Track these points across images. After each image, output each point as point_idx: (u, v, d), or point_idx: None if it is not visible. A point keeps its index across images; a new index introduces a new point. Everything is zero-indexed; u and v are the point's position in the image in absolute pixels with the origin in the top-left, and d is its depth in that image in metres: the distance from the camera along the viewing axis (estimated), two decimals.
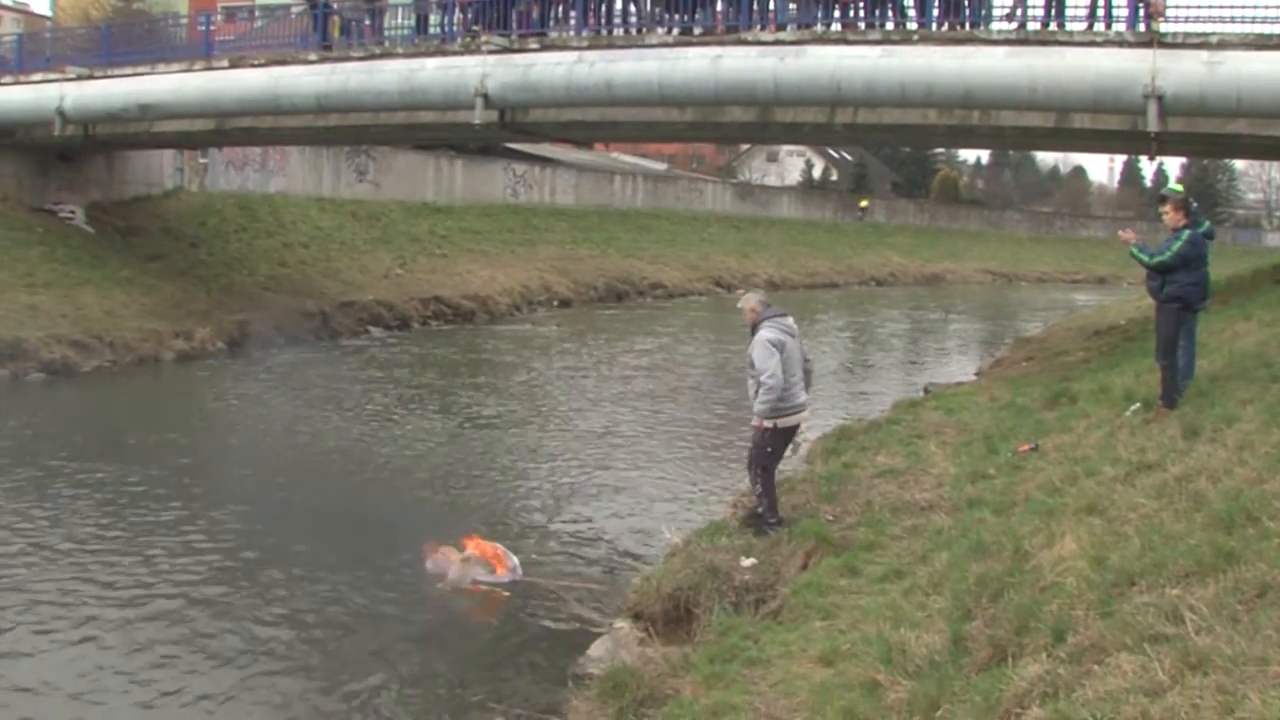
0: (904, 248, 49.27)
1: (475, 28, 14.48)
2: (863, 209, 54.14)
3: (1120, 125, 11.07)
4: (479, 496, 9.79)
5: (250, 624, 6.54)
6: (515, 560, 7.47)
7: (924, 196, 62.75)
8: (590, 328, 24.05)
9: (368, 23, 15.83)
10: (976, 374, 16.23)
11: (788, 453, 7.17)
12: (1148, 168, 75.45)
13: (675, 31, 13.35)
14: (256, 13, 22.89)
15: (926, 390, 13.78)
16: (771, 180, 56.88)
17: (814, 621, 5.27)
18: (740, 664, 4.95)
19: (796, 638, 5.11)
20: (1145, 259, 7.14)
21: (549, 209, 35.19)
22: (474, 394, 15.38)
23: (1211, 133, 10.81)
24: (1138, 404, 7.12)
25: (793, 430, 7.04)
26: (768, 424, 6.88)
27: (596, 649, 5.86)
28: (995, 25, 11.99)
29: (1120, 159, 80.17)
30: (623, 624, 6.09)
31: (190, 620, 6.55)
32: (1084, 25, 11.72)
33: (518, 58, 13.45)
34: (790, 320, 7.07)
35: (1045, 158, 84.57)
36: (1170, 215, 7.14)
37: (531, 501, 9.62)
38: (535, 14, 14.29)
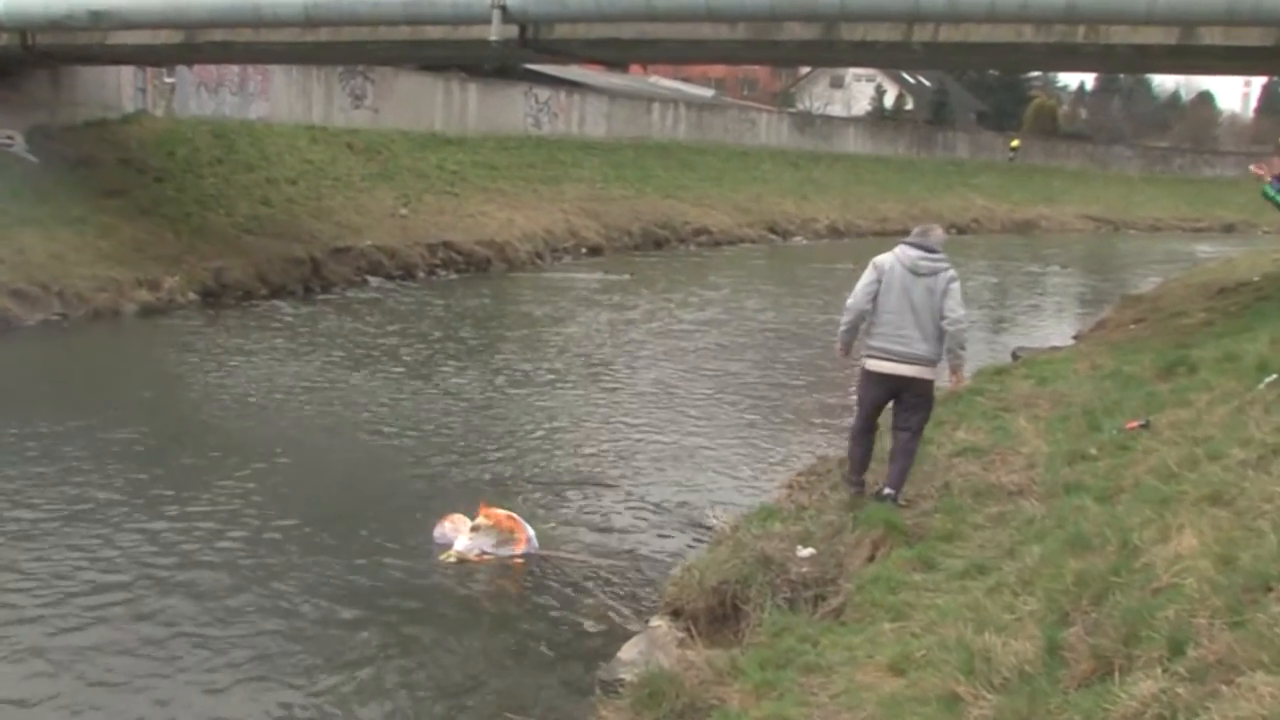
0: (990, 189, 48.79)
1: None
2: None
3: (1261, 40, 10.75)
4: (503, 464, 9.92)
5: (221, 613, 6.60)
6: (531, 532, 7.63)
7: (1015, 129, 61.91)
8: (634, 278, 24.10)
9: None
10: (1075, 337, 16.06)
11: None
12: None
13: None
14: None
15: (1015, 356, 13.69)
16: (836, 110, 56.38)
17: (882, 623, 5.25)
18: (796, 671, 4.94)
19: (862, 641, 5.09)
20: None
21: (576, 141, 35.14)
22: (504, 350, 15.53)
23: None
24: (1274, 375, 6.97)
25: (890, 383, 6.96)
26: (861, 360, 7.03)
27: (629, 650, 5.88)
28: None
29: (1258, 83, 78.41)
30: (659, 621, 6.11)
31: (154, 615, 6.61)
32: None
33: None
34: (923, 254, 6.88)
35: (1163, 82, 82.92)
36: None
37: (561, 472, 9.74)
38: None
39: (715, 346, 16.38)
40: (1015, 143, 54.81)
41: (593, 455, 10.23)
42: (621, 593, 7.11)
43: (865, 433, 7.22)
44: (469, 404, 12.16)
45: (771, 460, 10.11)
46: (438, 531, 7.72)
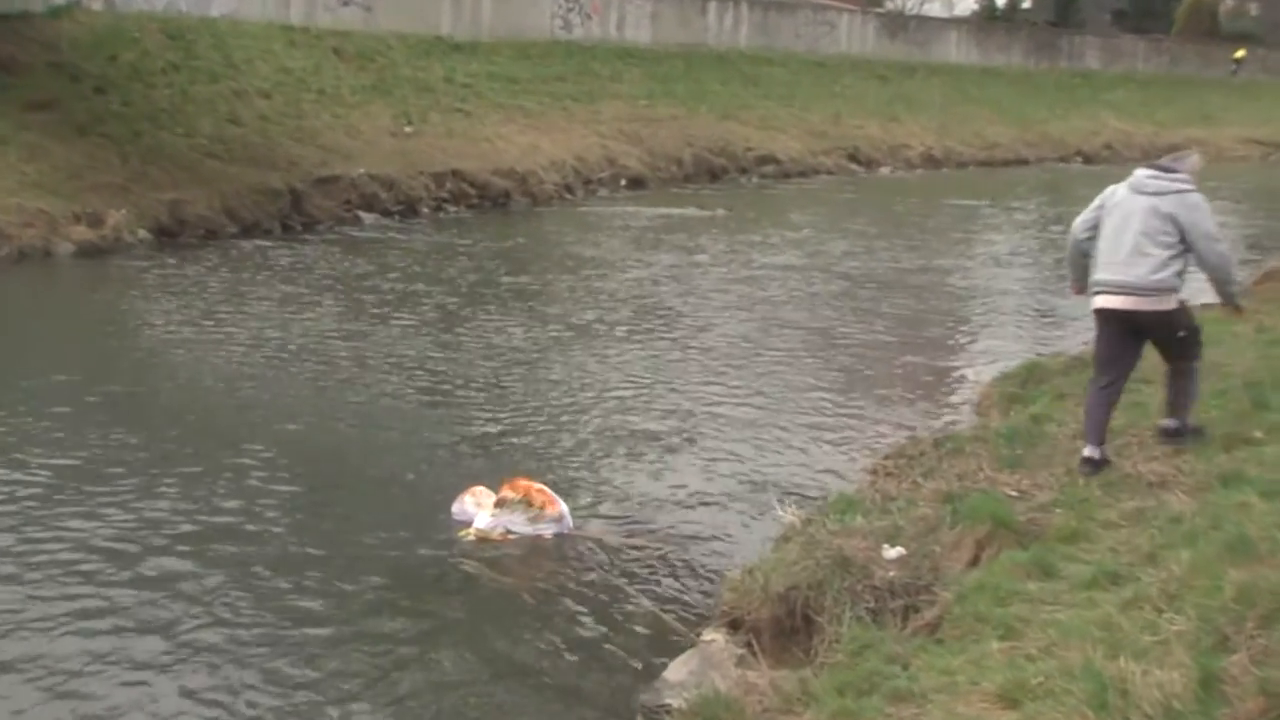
0: (1128, 107, 48.12)
1: None
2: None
3: None
4: (541, 430, 10.06)
5: (198, 613, 6.65)
6: (565, 508, 7.90)
7: (1163, 32, 60.93)
8: (698, 214, 24.05)
9: None
10: None
11: None
12: None
13: None
14: None
15: None
16: (934, 9, 55.74)
17: (989, 642, 5.17)
18: (882, 698, 4.89)
19: (964, 664, 5.02)
20: None
21: (615, 49, 35.05)
22: (549, 298, 15.61)
23: None
24: None
25: (1117, 321, 7.23)
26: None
27: (678, 669, 5.86)
28: None
29: None
30: (714, 634, 6.07)
31: (118, 612, 6.65)
32: None
33: None
34: (1155, 173, 7.22)
35: None
36: None
37: (608, 441, 9.81)
38: None
39: (795, 297, 16.34)
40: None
41: (646, 424, 10.22)
42: (669, 594, 7.06)
43: (1103, 387, 7.33)
44: (507, 361, 12.26)
45: (853, 439, 10.03)
46: (457, 506, 8.02)
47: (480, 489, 8.13)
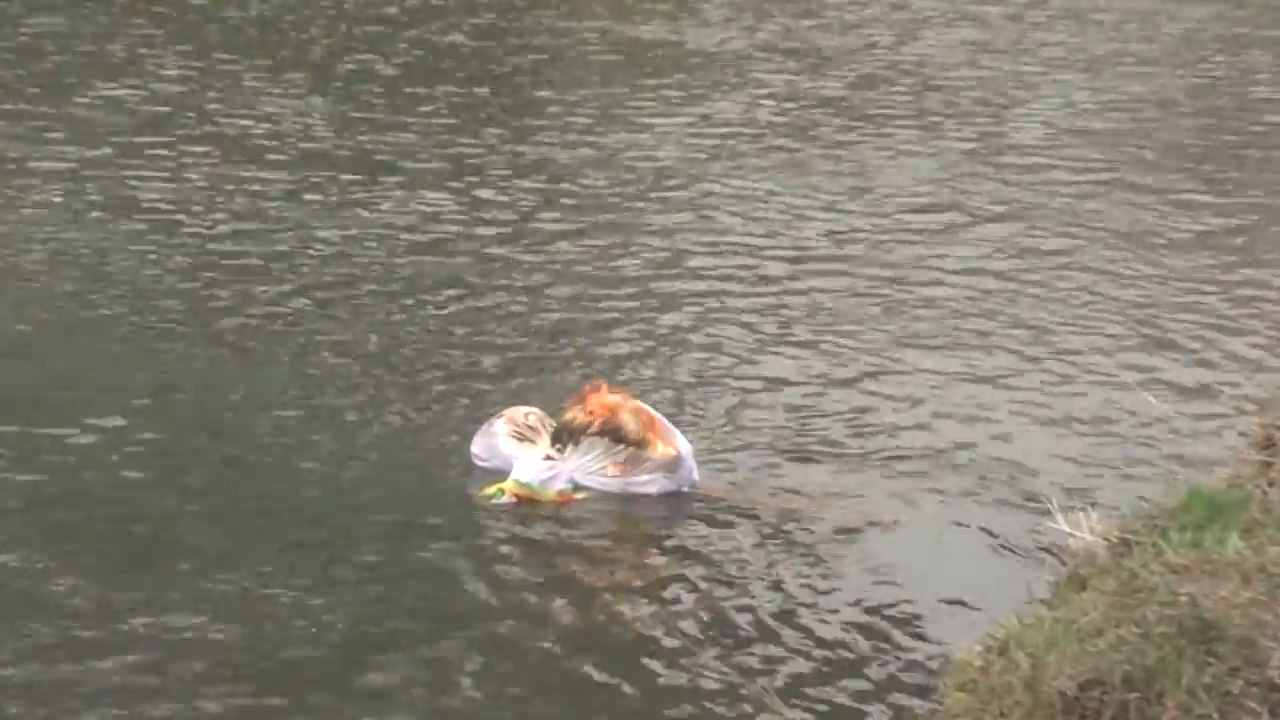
0: None
1: None
2: None
3: None
4: (617, 325, 7.35)
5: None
6: (686, 448, 5.66)
7: None
8: None
9: None
10: None
11: None
12: None
13: None
14: None
15: None
16: None
17: None
18: None
19: None
20: None
21: None
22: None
23: None
24: None
25: None
26: None
27: None
28: None
29: None
30: None
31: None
32: None
33: None
34: None
35: None
36: None
37: (766, 375, 6.87)
38: None
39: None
40: None
41: (805, 335, 7.24)
42: (854, 654, 4.63)
43: None
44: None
45: (1196, 401, 6.57)
46: (482, 443, 5.79)
47: (525, 411, 5.82)
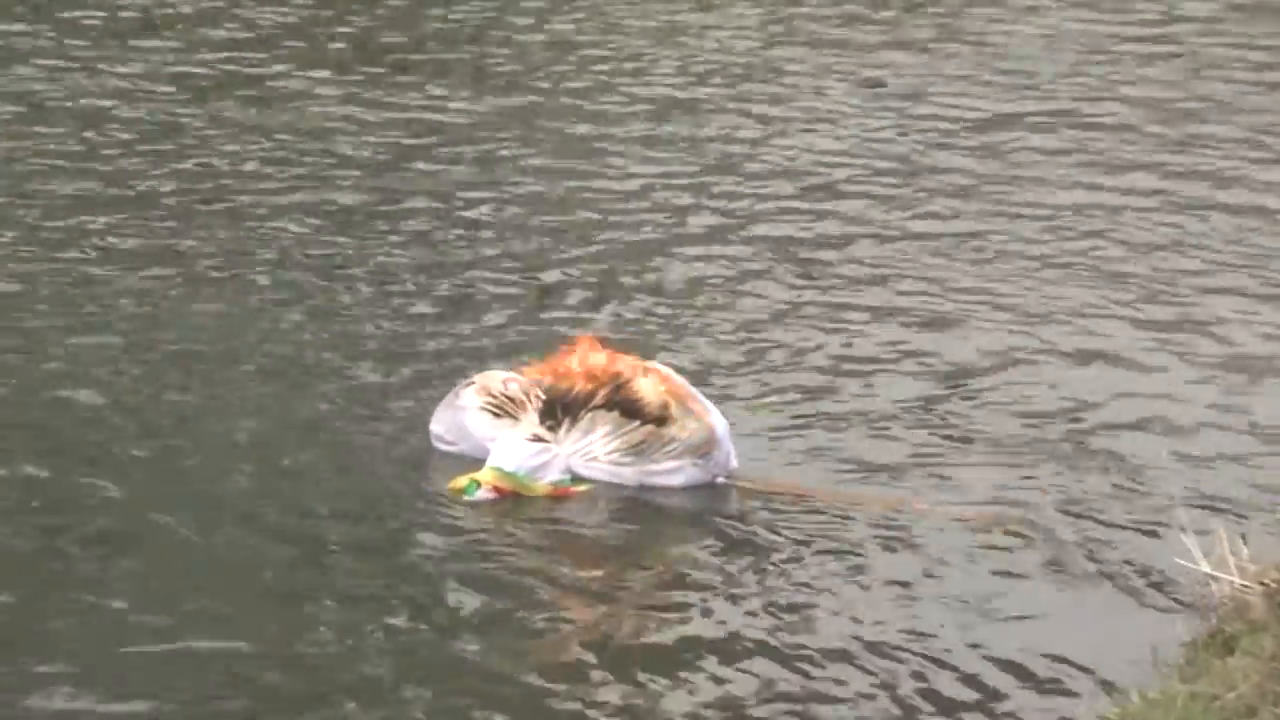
0: None
1: None
2: None
3: None
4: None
5: None
6: (721, 427, 4.69)
7: None
8: None
9: None
10: None
11: None
12: None
13: None
14: None
15: None
16: None
17: None
18: None
19: None
20: None
21: None
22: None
23: None
24: None
25: None
26: None
27: None
28: None
29: None
30: None
31: None
32: None
33: None
34: None
35: None
36: None
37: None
38: None
39: None
40: None
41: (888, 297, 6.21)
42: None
43: None
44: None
45: None
46: (446, 419, 4.80)
47: (500, 378, 4.79)
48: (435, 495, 4.49)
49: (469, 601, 3.89)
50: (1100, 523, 4.48)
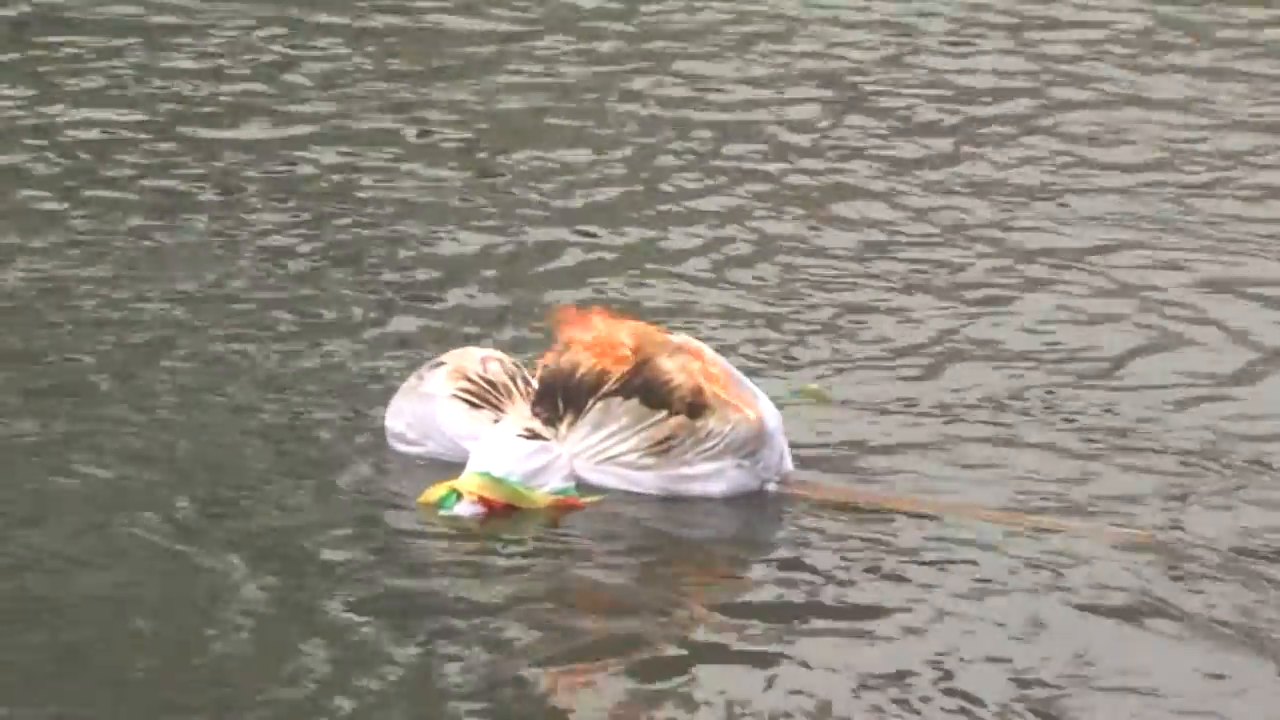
0: None
1: None
2: None
3: None
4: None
5: None
6: (773, 420, 3.98)
7: None
8: None
9: None
10: None
11: None
12: None
13: None
14: None
15: None
16: None
17: None
18: None
19: None
20: None
21: None
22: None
23: None
24: None
25: None
26: None
27: None
28: None
29: None
30: None
31: None
32: None
33: None
34: None
35: None
36: None
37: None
38: None
39: None
40: None
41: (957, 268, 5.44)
42: None
43: None
44: None
45: None
46: (409, 412, 4.13)
47: (479, 357, 4.13)
48: (406, 512, 3.65)
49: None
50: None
